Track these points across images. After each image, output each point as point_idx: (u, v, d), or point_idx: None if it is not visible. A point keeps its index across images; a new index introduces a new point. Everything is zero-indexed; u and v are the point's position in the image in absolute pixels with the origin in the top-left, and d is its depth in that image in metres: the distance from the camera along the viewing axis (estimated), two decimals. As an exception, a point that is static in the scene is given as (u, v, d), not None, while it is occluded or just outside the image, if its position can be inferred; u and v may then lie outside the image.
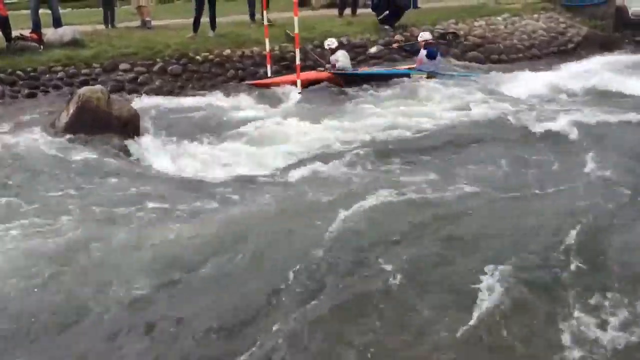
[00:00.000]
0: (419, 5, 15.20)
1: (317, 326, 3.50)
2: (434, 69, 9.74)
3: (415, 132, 7.17)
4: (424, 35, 10.18)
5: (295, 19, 9.17)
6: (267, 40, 9.64)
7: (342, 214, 4.82)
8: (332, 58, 9.89)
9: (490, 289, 3.82)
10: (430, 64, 9.80)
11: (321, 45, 10.62)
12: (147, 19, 11.83)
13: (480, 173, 5.87)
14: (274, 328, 3.47)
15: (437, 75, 9.59)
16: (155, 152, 6.71)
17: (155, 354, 3.31)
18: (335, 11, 13.79)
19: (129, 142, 6.77)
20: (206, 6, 10.71)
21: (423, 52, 9.88)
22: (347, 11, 13.43)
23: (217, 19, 10.97)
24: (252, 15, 12.08)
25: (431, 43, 10.05)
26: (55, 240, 4.44)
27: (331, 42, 10.04)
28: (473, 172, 5.88)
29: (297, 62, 9.28)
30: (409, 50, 10.43)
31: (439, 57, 10.00)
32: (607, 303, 3.69)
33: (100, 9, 11.77)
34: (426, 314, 3.63)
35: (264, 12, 10.22)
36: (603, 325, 3.49)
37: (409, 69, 9.98)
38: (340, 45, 10.62)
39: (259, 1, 11.23)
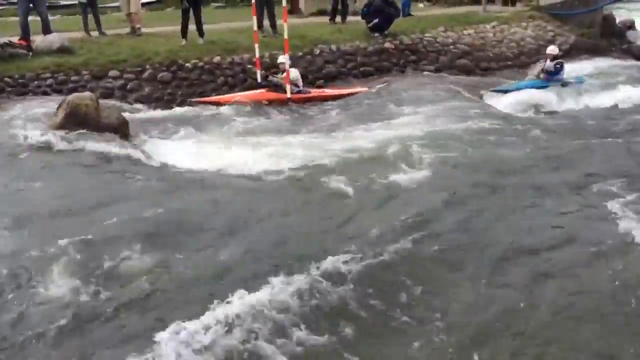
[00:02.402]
0: (412, 13, 15.29)
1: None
2: (563, 79, 10.08)
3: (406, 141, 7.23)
4: (553, 50, 10.38)
5: (285, 25, 9.20)
6: (256, 47, 9.64)
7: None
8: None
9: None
10: (558, 74, 10.08)
11: (311, 53, 10.73)
12: (137, 26, 11.81)
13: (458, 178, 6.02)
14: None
15: (569, 84, 10.05)
16: (143, 157, 6.69)
17: None
18: (324, 19, 13.84)
19: (118, 148, 6.74)
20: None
21: (551, 64, 10.08)
22: (337, 18, 13.47)
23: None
24: (274, 26, 11.65)
25: (557, 56, 10.34)
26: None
27: (284, 59, 9.49)
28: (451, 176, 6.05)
29: (287, 67, 9.29)
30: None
31: (565, 69, 10.24)
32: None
33: (90, 16, 11.71)
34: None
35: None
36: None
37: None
38: (330, 53, 10.75)
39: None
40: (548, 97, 9.57)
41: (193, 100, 9.31)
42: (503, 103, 9.43)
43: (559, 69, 10.05)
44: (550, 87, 9.86)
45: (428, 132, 7.47)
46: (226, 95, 9.52)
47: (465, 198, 5.48)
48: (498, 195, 5.59)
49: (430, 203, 5.32)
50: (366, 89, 10.14)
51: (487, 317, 3.74)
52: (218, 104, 9.18)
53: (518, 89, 9.92)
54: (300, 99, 9.42)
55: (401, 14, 14.76)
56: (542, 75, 10.11)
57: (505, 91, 9.94)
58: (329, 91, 10.03)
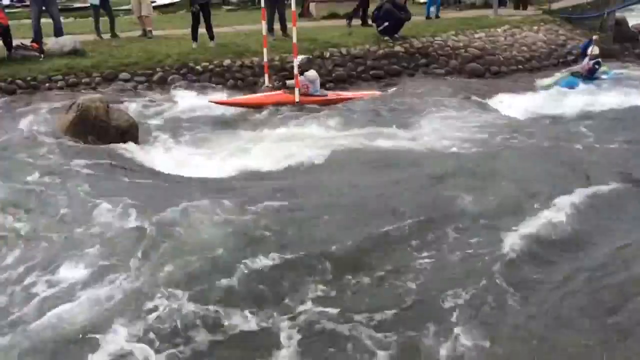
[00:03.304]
0: (439, 15, 15.16)
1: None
2: (598, 76, 11.03)
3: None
4: (595, 50, 11.04)
5: (294, 28, 9.19)
6: (265, 51, 9.65)
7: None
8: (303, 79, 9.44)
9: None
10: (595, 72, 10.98)
11: (321, 56, 10.77)
12: (149, 28, 11.89)
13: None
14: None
15: (602, 79, 10.99)
16: (153, 160, 6.73)
17: None
18: (335, 21, 13.86)
19: (127, 151, 6.77)
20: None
21: (591, 62, 10.94)
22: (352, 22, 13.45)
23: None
24: (284, 29, 11.74)
25: (597, 56, 11.09)
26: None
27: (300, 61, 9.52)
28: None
29: (295, 71, 9.27)
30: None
31: (601, 69, 11.13)
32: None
33: (105, 18, 11.83)
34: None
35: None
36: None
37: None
38: (340, 56, 10.81)
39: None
40: (576, 96, 9.86)
41: (210, 100, 9.22)
42: (517, 105, 9.40)
43: (597, 68, 10.94)
44: (586, 84, 10.56)
45: (442, 135, 7.48)
46: (237, 98, 9.52)
47: (481, 200, 5.43)
48: (511, 198, 5.54)
49: (449, 203, 5.32)
50: (379, 92, 10.13)
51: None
52: (230, 104, 9.18)
53: (565, 85, 10.59)
54: (310, 102, 9.41)
55: (431, 15, 14.77)
56: (582, 73, 10.87)
57: (548, 86, 10.66)
58: (334, 94, 9.94)
